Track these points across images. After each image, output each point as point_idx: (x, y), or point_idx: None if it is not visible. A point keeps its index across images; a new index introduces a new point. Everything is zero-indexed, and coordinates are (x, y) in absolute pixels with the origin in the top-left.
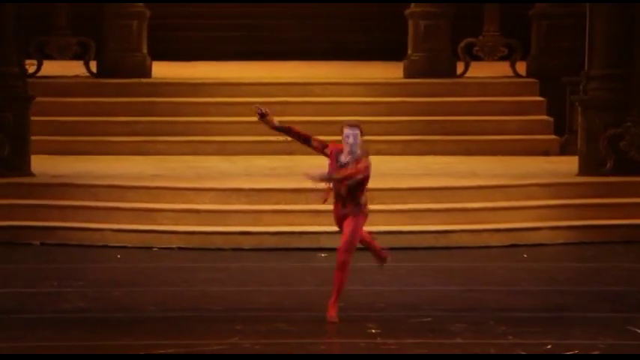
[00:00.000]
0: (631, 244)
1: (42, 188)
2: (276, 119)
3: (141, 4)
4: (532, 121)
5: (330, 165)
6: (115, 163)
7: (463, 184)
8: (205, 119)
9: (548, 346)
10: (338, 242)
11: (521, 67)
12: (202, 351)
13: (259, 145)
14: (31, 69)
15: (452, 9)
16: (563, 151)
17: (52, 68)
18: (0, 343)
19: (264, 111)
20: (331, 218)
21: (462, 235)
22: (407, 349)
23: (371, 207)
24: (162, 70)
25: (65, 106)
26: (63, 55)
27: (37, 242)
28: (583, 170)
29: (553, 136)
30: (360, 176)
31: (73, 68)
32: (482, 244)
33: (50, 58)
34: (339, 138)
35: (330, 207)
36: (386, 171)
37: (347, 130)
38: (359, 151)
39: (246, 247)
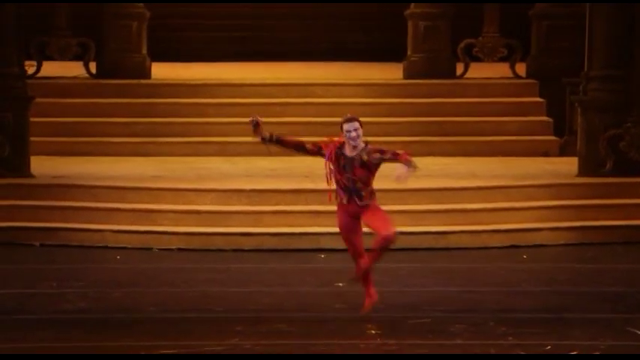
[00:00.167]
0: (631, 245)
1: (42, 189)
2: (266, 131)
3: (141, 4)
4: (532, 121)
5: (334, 163)
6: (115, 163)
7: (463, 185)
8: (205, 120)
9: (548, 347)
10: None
11: (521, 67)
12: (203, 351)
13: (260, 146)
14: (31, 70)
15: (451, 10)
16: (563, 151)
17: (51, 69)
18: (0, 343)
19: (259, 120)
20: (332, 219)
21: (461, 236)
22: (407, 349)
23: None
24: (162, 71)
25: (65, 107)
26: (63, 55)
27: (37, 243)
28: (583, 171)
29: (553, 137)
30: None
31: (73, 69)
32: (482, 245)
33: (50, 58)
34: (341, 139)
35: (329, 207)
36: (385, 172)
37: (347, 126)
38: (361, 142)
39: (247, 248)
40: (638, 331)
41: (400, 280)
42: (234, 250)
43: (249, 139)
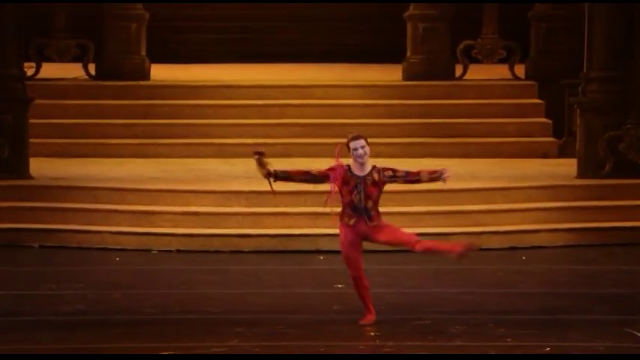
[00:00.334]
0: (630, 247)
1: (41, 190)
2: (270, 166)
3: (140, 5)
4: (531, 123)
5: (344, 185)
6: (114, 165)
7: (462, 187)
8: (204, 122)
9: (547, 349)
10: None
11: (520, 69)
12: (202, 353)
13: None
14: (30, 71)
15: (451, 11)
16: (562, 153)
17: (51, 70)
18: None
19: (264, 151)
20: (331, 221)
21: (461, 238)
22: (406, 351)
23: None
24: (161, 73)
25: (64, 109)
26: (62, 57)
27: (37, 244)
28: (582, 172)
29: (552, 139)
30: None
31: (72, 70)
32: (483, 246)
33: (49, 60)
34: (338, 140)
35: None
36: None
37: (353, 144)
38: (369, 161)
39: (246, 250)
40: (636, 333)
41: (399, 282)
42: (233, 252)
43: (248, 140)
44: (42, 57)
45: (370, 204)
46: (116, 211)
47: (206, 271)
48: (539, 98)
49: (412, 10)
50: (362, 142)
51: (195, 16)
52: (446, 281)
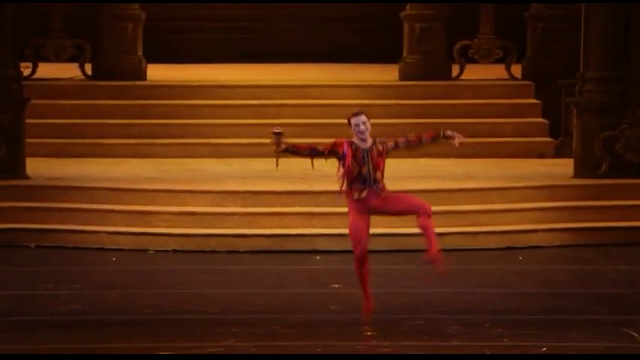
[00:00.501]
0: (626, 247)
1: (37, 191)
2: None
3: (136, 5)
4: (527, 123)
5: (354, 157)
6: (110, 165)
7: (458, 187)
8: (201, 122)
9: (544, 349)
10: (333, 245)
11: (517, 69)
12: (198, 353)
13: (255, 148)
14: (27, 71)
15: (447, 11)
16: (559, 153)
17: (47, 71)
18: None
19: (281, 130)
20: (327, 221)
21: (457, 238)
22: (403, 351)
23: None
24: (158, 73)
25: (61, 109)
26: (58, 57)
27: (33, 245)
28: (578, 172)
29: (548, 139)
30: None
31: (69, 71)
32: (478, 247)
33: (46, 60)
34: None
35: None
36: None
37: (355, 119)
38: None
39: (242, 250)
40: (633, 333)
41: (396, 282)
42: (230, 252)
43: (245, 140)
44: (38, 57)
45: (379, 174)
46: (113, 211)
47: (202, 271)
48: (536, 98)
49: (409, 10)
50: (363, 117)
51: (192, 16)
52: (442, 281)
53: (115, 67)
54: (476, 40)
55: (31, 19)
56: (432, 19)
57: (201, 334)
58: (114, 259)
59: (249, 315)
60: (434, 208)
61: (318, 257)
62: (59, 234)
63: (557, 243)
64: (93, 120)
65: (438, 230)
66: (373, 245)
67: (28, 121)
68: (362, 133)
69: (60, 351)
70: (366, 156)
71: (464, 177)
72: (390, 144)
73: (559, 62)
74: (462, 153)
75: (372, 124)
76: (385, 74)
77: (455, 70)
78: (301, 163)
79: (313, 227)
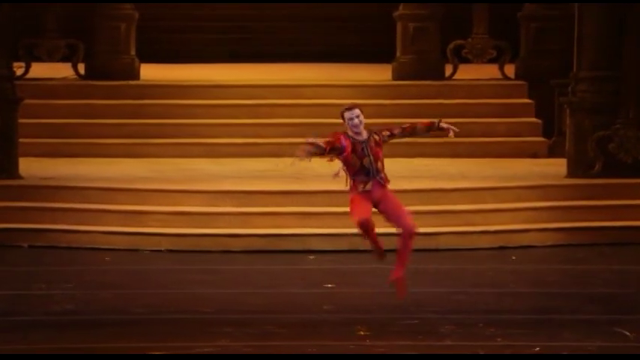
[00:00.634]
0: (619, 246)
1: (30, 191)
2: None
3: (129, 5)
4: (520, 123)
5: (354, 150)
6: (103, 165)
7: (452, 186)
8: (194, 121)
9: (537, 348)
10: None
11: (510, 69)
12: (192, 353)
13: (248, 148)
14: (20, 71)
15: (440, 11)
16: (552, 153)
17: (40, 70)
18: None
19: (315, 141)
20: (321, 221)
21: (450, 237)
22: (396, 350)
23: None
24: (151, 73)
25: (53, 109)
26: (51, 57)
27: (26, 244)
28: (571, 172)
29: (541, 138)
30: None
31: (62, 70)
32: (472, 246)
33: (39, 60)
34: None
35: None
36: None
37: (348, 114)
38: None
39: (235, 250)
40: (626, 332)
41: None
42: (223, 252)
43: (238, 140)
44: (31, 57)
45: (380, 165)
46: (106, 210)
47: (196, 271)
48: (529, 98)
49: (402, 9)
50: (357, 111)
51: (186, 16)
52: (435, 281)
53: (108, 67)
54: (469, 39)
55: (24, 19)
56: (425, 19)
57: (195, 333)
58: (107, 258)
59: (243, 315)
60: (426, 208)
61: (311, 257)
62: (52, 234)
63: (550, 243)
64: (86, 120)
65: (431, 230)
66: (367, 245)
67: (21, 120)
68: (356, 126)
69: (53, 351)
70: (365, 148)
71: (457, 177)
72: (386, 133)
73: (552, 62)
74: (455, 152)
75: (366, 124)
76: (378, 74)
77: (448, 69)
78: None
79: (307, 227)
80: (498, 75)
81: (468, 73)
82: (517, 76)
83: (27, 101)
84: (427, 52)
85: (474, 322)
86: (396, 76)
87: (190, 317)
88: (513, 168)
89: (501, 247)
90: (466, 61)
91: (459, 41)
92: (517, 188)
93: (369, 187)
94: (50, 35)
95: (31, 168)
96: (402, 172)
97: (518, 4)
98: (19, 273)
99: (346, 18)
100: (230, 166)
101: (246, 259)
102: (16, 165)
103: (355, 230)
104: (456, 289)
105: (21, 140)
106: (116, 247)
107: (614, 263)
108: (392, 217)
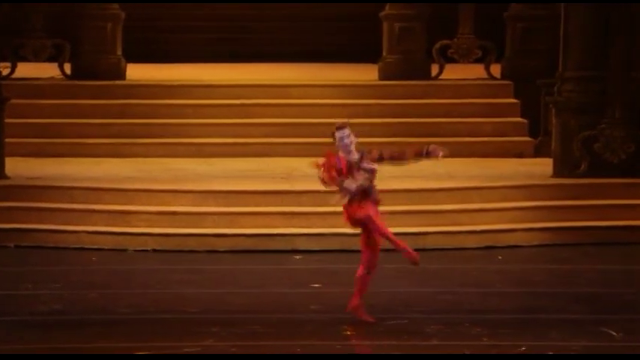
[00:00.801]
0: (605, 246)
1: (17, 190)
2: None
3: (116, 5)
4: (506, 123)
5: (348, 169)
6: (90, 165)
7: (438, 186)
8: (181, 121)
9: (523, 348)
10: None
11: (496, 69)
12: (177, 352)
13: (236, 148)
14: (5, 71)
15: (426, 11)
16: (538, 152)
17: (26, 70)
18: None
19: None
20: (307, 221)
21: (437, 237)
22: (382, 350)
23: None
24: (137, 72)
25: (40, 109)
26: (38, 57)
27: (12, 244)
28: (557, 172)
29: (527, 138)
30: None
31: (48, 70)
32: (459, 246)
33: (25, 60)
34: (318, 140)
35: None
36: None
37: (339, 133)
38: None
39: (221, 250)
40: (612, 332)
41: (376, 282)
42: (209, 252)
43: (225, 140)
44: (17, 57)
45: (373, 183)
46: (92, 210)
47: (182, 271)
48: (515, 98)
49: (388, 9)
50: (346, 131)
51: (173, 16)
52: (422, 281)
53: (94, 67)
54: (455, 39)
55: (10, 19)
56: (411, 19)
57: (181, 333)
58: (94, 258)
59: (229, 314)
60: (413, 208)
61: (298, 257)
62: (38, 234)
63: (536, 242)
64: (72, 120)
65: (416, 229)
66: (353, 245)
67: (7, 120)
68: (347, 146)
69: (40, 351)
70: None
71: (443, 176)
72: (376, 155)
73: (538, 62)
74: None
75: (353, 124)
76: (365, 74)
77: (434, 69)
78: (282, 163)
79: (293, 227)
80: (484, 75)
81: (454, 73)
82: (503, 76)
83: (13, 101)
84: (413, 52)
85: (460, 321)
86: (383, 76)
87: (176, 317)
88: (499, 168)
89: (488, 247)
90: (452, 61)
91: (445, 41)
92: (503, 188)
93: (363, 204)
94: (36, 35)
95: (17, 168)
96: (389, 172)
97: (504, 4)
98: (6, 273)
99: (332, 18)
100: (217, 165)
101: (233, 259)
102: (2, 165)
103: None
104: (442, 289)
105: (7, 140)
106: (102, 247)
107: (600, 263)
108: (370, 244)
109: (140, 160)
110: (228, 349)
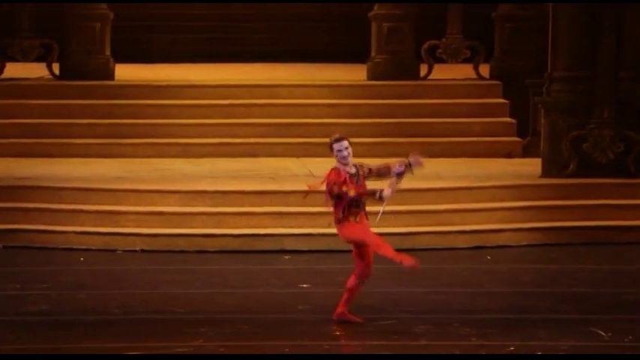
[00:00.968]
0: (594, 246)
1: (5, 190)
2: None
3: (104, 5)
4: (495, 123)
5: (353, 183)
6: (78, 165)
7: (427, 186)
8: (169, 121)
9: (512, 348)
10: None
11: (485, 69)
12: (167, 353)
13: (223, 148)
14: None
15: (415, 11)
16: (527, 152)
17: (14, 70)
18: None
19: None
20: (296, 221)
21: (426, 237)
22: (371, 350)
23: None
24: (126, 73)
25: (28, 109)
26: (26, 57)
27: (0, 245)
28: (546, 172)
29: (516, 138)
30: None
31: (36, 70)
32: (449, 246)
33: (13, 60)
34: (306, 140)
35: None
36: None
37: (337, 145)
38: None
39: (210, 250)
40: (601, 332)
41: (366, 282)
42: (198, 252)
43: (213, 140)
44: (6, 57)
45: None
46: (81, 211)
47: (171, 271)
48: (504, 98)
49: (377, 9)
50: (345, 143)
51: (161, 16)
52: (411, 281)
53: (82, 67)
54: (444, 39)
55: None
56: (399, 19)
57: (170, 334)
58: (82, 259)
59: (218, 315)
60: (402, 208)
61: (286, 257)
62: (27, 234)
63: (524, 242)
64: (61, 120)
65: (405, 230)
66: (342, 246)
67: None
68: (345, 158)
69: (27, 351)
70: (358, 180)
71: (432, 176)
72: (366, 169)
73: (527, 62)
74: (431, 152)
75: (341, 124)
76: (353, 74)
77: (423, 69)
78: (270, 164)
79: (282, 227)
80: (473, 75)
81: (442, 73)
82: (492, 76)
83: (1, 101)
84: (402, 52)
85: (449, 321)
86: (371, 76)
87: (165, 317)
88: (488, 168)
89: (477, 247)
90: (441, 61)
91: (434, 41)
92: (492, 188)
93: (359, 219)
94: (24, 35)
95: (5, 168)
96: None
97: (493, 4)
98: None
99: (321, 18)
100: (205, 166)
101: (222, 259)
102: None
103: (329, 230)
104: (431, 289)
105: None
106: (91, 247)
107: (589, 263)
108: (363, 256)
109: (128, 160)
110: (217, 349)
